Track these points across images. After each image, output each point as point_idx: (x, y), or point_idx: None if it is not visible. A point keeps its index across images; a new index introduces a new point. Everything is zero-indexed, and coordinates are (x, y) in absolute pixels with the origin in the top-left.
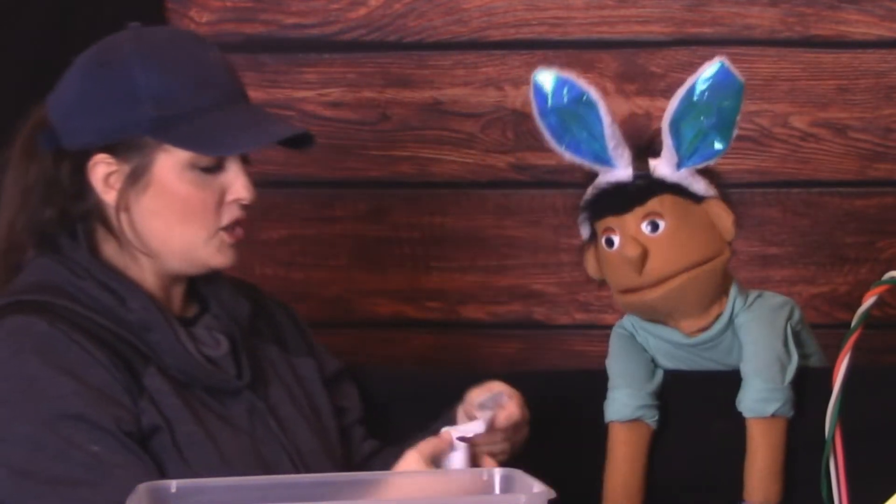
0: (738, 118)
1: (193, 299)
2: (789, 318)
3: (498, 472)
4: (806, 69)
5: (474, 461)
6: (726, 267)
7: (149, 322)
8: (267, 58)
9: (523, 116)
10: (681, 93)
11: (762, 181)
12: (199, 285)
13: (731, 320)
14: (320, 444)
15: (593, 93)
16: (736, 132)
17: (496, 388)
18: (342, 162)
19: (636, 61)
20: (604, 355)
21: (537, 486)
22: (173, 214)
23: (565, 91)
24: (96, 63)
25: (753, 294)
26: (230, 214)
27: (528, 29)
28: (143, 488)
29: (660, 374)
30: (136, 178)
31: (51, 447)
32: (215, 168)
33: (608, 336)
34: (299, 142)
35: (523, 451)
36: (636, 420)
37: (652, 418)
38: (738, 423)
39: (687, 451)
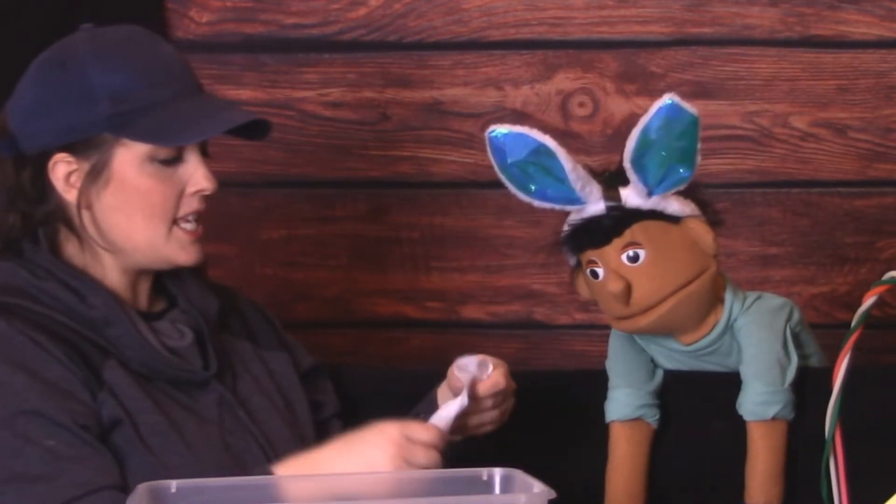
0: (699, 146)
1: (161, 295)
2: (788, 319)
3: (498, 472)
4: (806, 69)
5: (462, 430)
6: (714, 279)
7: (108, 317)
8: (267, 58)
9: (523, 116)
10: (636, 133)
11: (762, 181)
12: (166, 281)
13: (728, 325)
14: (292, 434)
15: (549, 142)
16: (699, 159)
17: (482, 356)
18: (342, 162)
19: (636, 61)
20: (604, 355)
21: (537, 486)
22: (135, 209)
23: (521, 145)
24: (51, 65)
25: (752, 296)
26: (189, 206)
27: (528, 29)
28: (143, 488)
29: (660, 374)
30: (96, 175)
31: (7, 445)
32: (174, 160)
33: (608, 336)
34: (258, 132)
35: (510, 425)
36: (637, 419)
37: (653, 417)
38: (738, 424)
39: (687, 451)
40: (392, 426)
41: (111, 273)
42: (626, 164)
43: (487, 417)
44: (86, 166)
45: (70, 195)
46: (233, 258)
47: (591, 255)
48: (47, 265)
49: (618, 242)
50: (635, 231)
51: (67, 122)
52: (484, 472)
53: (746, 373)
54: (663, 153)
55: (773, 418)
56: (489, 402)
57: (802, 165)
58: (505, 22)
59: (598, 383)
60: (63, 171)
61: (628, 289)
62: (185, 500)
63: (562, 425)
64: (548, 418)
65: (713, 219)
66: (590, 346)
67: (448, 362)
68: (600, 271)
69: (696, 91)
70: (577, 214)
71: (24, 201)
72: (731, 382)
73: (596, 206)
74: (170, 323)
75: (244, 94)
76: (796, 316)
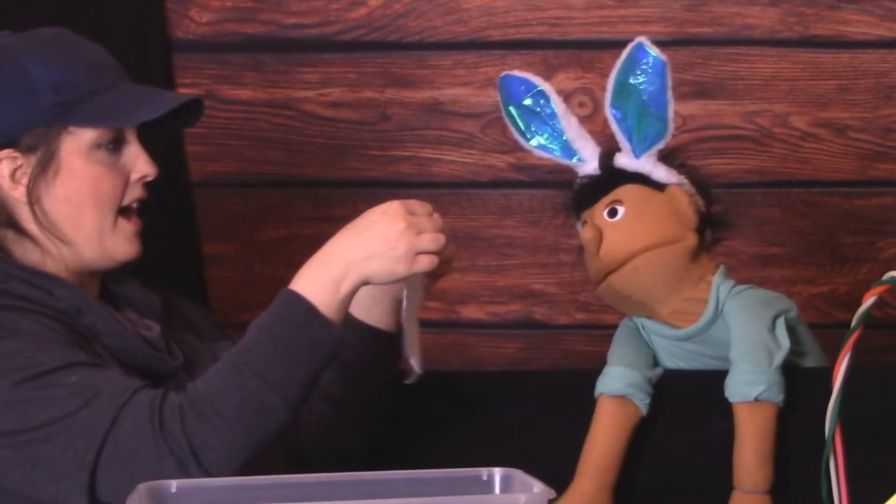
0: (670, 96)
1: (104, 300)
2: (782, 310)
3: (498, 472)
4: (806, 69)
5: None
6: (691, 252)
7: (79, 306)
8: (267, 58)
9: None
10: (611, 77)
11: (762, 181)
12: (108, 285)
13: (718, 308)
14: None
15: (548, 89)
16: (671, 112)
17: None
18: (342, 162)
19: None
20: (604, 355)
21: (537, 486)
22: (84, 197)
23: (522, 89)
24: None
25: (744, 286)
26: (133, 193)
27: (528, 29)
28: (143, 488)
29: (659, 370)
30: (44, 167)
31: (33, 400)
32: (118, 147)
33: (608, 336)
34: (194, 117)
35: None
36: (624, 397)
37: (642, 401)
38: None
39: (687, 450)
40: (392, 203)
41: (65, 273)
42: (607, 114)
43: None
44: (32, 160)
45: (17, 192)
46: (233, 258)
47: (585, 215)
48: (4, 268)
49: (604, 200)
50: (620, 191)
51: (10, 118)
52: (484, 472)
53: (733, 355)
54: (635, 100)
55: (758, 399)
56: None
57: (802, 165)
58: (505, 22)
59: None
60: (8, 169)
61: (598, 239)
62: (184, 500)
63: (562, 425)
64: (548, 418)
65: (716, 218)
66: (590, 346)
67: (448, 362)
68: None
69: (696, 91)
70: (578, 173)
71: None
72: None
73: (591, 164)
74: (136, 314)
75: (244, 94)
76: (793, 312)
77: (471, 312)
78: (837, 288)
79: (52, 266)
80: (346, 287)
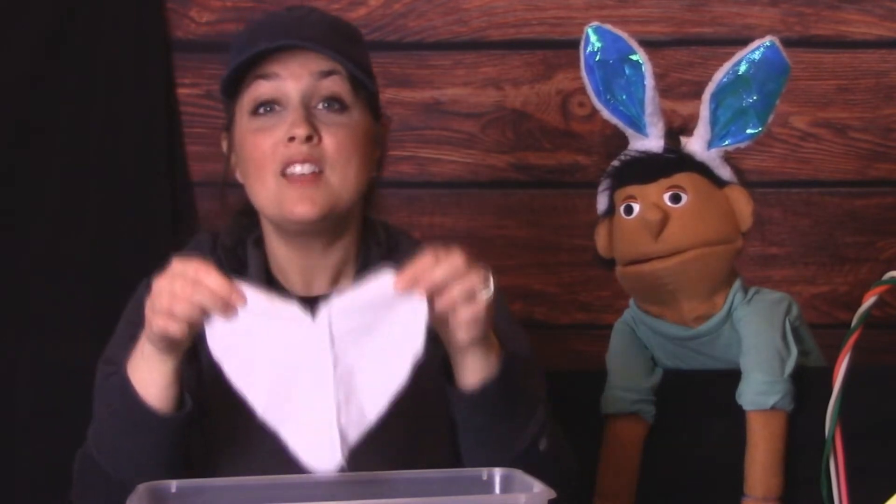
0: (777, 103)
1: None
2: (787, 312)
3: (498, 472)
4: (806, 69)
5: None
6: (736, 255)
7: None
8: None
9: (523, 116)
10: (727, 66)
11: (762, 181)
12: (366, 250)
13: (729, 313)
14: None
15: (643, 55)
16: (772, 118)
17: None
18: None
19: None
20: (604, 355)
21: (537, 486)
22: (247, 165)
23: (615, 47)
24: None
25: (752, 290)
26: (284, 154)
27: (528, 29)
28: (142, 488)
29: (659, 372)
30: (230, 142)
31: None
32: (277, 111)
33: (608, 336)
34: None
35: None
36: (633, 414)
37: (648, 413)
38: (736, 422)
39: (686, 449)
40: (159, 277)
41: (279, 251)
42: (705, 97)
43: (451, 299)
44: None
45: (232, 164)
46: None
47: (632, 190)
48: (233, 241)
49: (663, 182)
50: (682, 177)
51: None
52: (484, 471)
53: (746, 363)
54: (744, 95)
55: (773, 408)
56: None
57: (802, 165)
58: (505, 22)
59: (598, 383)
60: (226, 143)
61: (664, 222)
62: (184, 500)
63: (562, 425)
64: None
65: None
66: (590, 346)
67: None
68: (636, 206)
69: (696, 91)
70: (633, 145)
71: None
72: (730, 382)
73: (655, 142)
74: None
75: None
76: (795, 310)
77: None
78: (837, 288)
79: (274, 243)
80: (143, 355)
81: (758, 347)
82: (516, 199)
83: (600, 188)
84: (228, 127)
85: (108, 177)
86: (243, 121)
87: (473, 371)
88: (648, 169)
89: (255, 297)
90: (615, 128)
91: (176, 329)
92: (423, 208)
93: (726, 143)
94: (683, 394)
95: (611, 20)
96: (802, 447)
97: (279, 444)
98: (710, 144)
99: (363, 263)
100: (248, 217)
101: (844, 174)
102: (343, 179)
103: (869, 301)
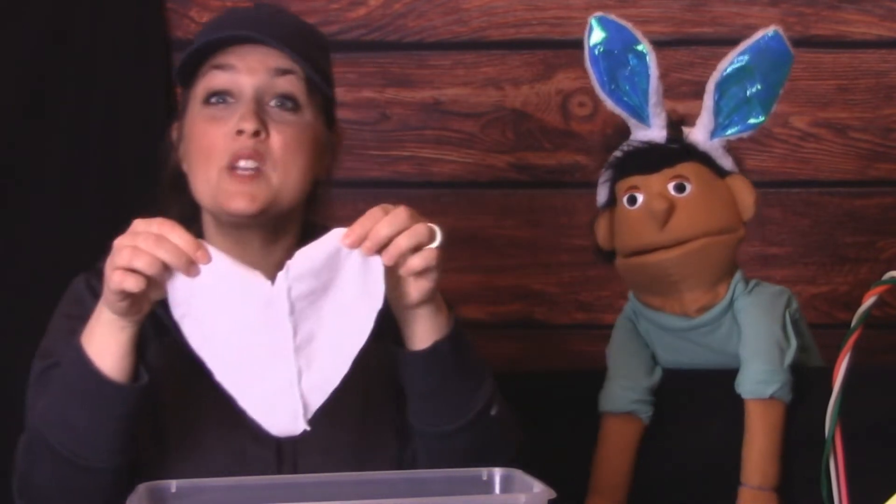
0: (781, 93)
1: None
2: (787, 305)
3: (498, 472)
4: (806, 69)
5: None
6: (738, 245)
7: None
8: None
9: (523, 116)
10: (732, 55)
11: (762, 181)
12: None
13: (731, 304)
14: None
15: (648, 45)
16: (775, 107)
17: None
18: (342, 162)
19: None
20: (604, 355)
21: (537, 486)
22: (193, 153)
23: (620, 37)
24: None
25: (752, 282)
26: (232, 146)
27: (528, 29)
28: (142, 488)
29: (658, 371)
30: (180, 130)
31: (34, 389)
32: (229, 103)
33: (608, 336)
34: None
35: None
36: (629, 413)
37: (645, 413)
38: (736, 422)
39: (685, 449)
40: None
41: (218, 243)
42: (710, 86)
43: (398, 249)
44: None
45: (178, 154)
46: None
47: (635, 180)
48: None
49: (667, 172)
50: (686, 167)
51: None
52: (484, 471)
53: (746, 352)
54: (748, 84)
55: (771, 397)
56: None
57: (802, 165)
58: (505, 22)
59: (597, 383)
60: (176, 134)
61: (670, 212)
62: (184, 500)
63: (562, 425)
64: (548, 418)
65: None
66: (590, 346)
67: None
68: (640, 196)
69: (696, 91)
70: (636, 135)
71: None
72: (729, 381)
73: (658, 132)
74: None
75: None
76: (794, 304)
77: (471, 312)
78: (837, 288)
79: (213, 235)
80: (100, 325)
81: (758, 337)
82: (516, 199)
83: (601, 179)
84: (181, 116)
85: (108, 177)
86: (195, 109)
87: (424, 331)
88: (652, 159)
89: (219, 258)
90: (615, 128)
91: (133, 284)
92: (423, 208)
93: (729, 132)
94: (683, 394)
95: None
96: (802, 447)
97: (235, 443)
98: (713, 134)
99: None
100: (186, 209)
101: (844, 174)
102: (284, 178)
103: (869, 301)
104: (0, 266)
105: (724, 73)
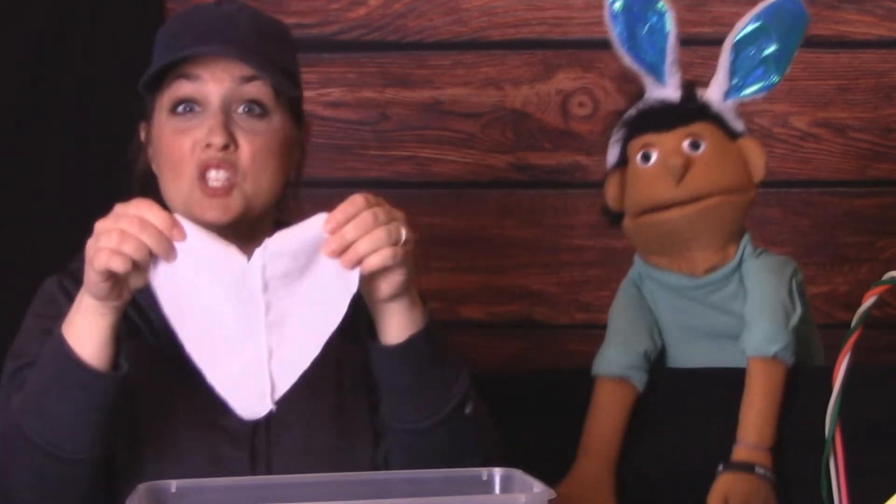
0: (795, 55)
1: None
2: (794, 274)
3: (498, 472)
4: (806, 69)
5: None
6: (748, 207)
7: (152, 301)
8: None
9: (523, 116)
10: (749, 15)
11: (762, 181)
12: None
13: (739, 265)
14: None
15: (668, 3)
16: (787, 70)
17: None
18: (342, 162)
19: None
20: None
21: (537, 486)
22: (163, 165)
23: None
24: None
25: (760, 249)
26: (199, 157)
27: (528, 29)
28: (142, 488)
29: (657, 339)
30: (147, 137)
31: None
32: (197, 113)
33: None
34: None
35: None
36: (622, 378)
37: (639, 380)
38: (736, 423)
39: (685, 449)
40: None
41: None
42: (727, 45)
43: (356, 252)
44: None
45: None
46: None
47: (649, 138)
48: None
49: (681, 131)
50: (700, 126)
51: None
52: (484, 472)
53: (751, 312)
54: (764, 44)
55: (774, 357)
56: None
57: (802, 165)
58: (505, 22)
59: None
60: (144, 137)
61: (686, 167)
62: (184, 500)
63: (562, 425)
64: (548, 418)
65: None
66: (590, 346)
67: None
68: (654, 154)
69: None
70: (651, 94)
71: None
72: (729, 381)
73: (673, 91)
74: None
75: None
76: (800, 275)
77: (471, 312)
78: (837, 288)
79: None
80: (80, 311)
81: (764, 298)
82: (516, 199)
83: (613, 138)
84: (147, 118)
85: (109, 176)
86: (162, 117)
87: (398, 325)
88: (667, 117)
89: (194, 233)
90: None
91: (120, 264)
92: (423, 208)
93: (744, 93)
94: (683, 394)
95: None
96: (802, 447)
97: (210, 444)
98: (727, 95)
99: None
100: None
101: (844, 174)
102: (256, 188)
103: (869, 301)
104: (0, 266)
105: (741, 34)
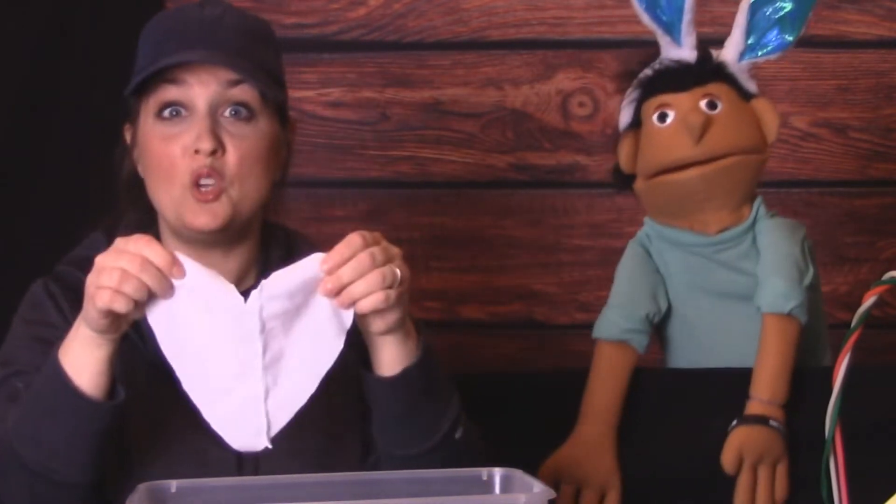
0: (810, 17)
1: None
2: (804, 237)
3: (498, 472)
4: (806, 69)
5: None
6: (762, 168)
7: None
8: None
9: (523, 116)
10: None
11: (762, 181)
12: (266, 252)
13: (752, 226)
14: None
15: None
16: (801, 33)
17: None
18: (342, 162)
19: (636, 61)
20: None
21: (537, 486)
22: (152, 170)
23: None
24: None
25: (772, 211)
26: (190, 165)
27: (528, 29)
28: (142, 488)
29: (662, 303)
30: (133, 141)
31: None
32: (183, 118)
33: None
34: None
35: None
36: (622, 342)
37: (640, 343)
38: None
39: (686, 449)
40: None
41: (174, 247)
42: (744, 4)
43: (350, 295)
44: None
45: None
46: None
47: (665, 98)
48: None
49: (697, 91)
50: (715, 87)
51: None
52: (484, 471)
53: (766, 270)
54: (781, 4)
55: (790, 314)
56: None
57: (802, 165)
58: (505, 22)
59: None
60: (129, 140)
61: (706, 126)
62: (184, 500)
63: (562, 425)
64: (548, 418)
65: None
66: (590, 346)
67: (448, 363)
68: (672, 113)
69: None
70: (666, 54)
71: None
72: (729, 381)
73: (689, 52)
74: None
75: None
76: (809, 241)
77: (471, 312)
78: (837, 288)
79: (170, 241)
80: (78, 341)
81: (779, 256)
82: (516, 199)
83: (626, 99)
84: (133, 120)
85: (109, 176)
86: (148, 121)
87: (392, 358)
88: (683, 77)
89: (193, 272)
90: (615, 128)
91: (122, 305)
92: (423, 208)
93: (759, 53)
94: (683, 394)
95: (611, 20)
96: (802, 447)
97: (196, 445)
98: (742, 56)
99: (263, 267)
100: (144, 214)
101: (844, 174)
102: (243, 193)
103: (869, 301)
104: (0, 266)
105: None
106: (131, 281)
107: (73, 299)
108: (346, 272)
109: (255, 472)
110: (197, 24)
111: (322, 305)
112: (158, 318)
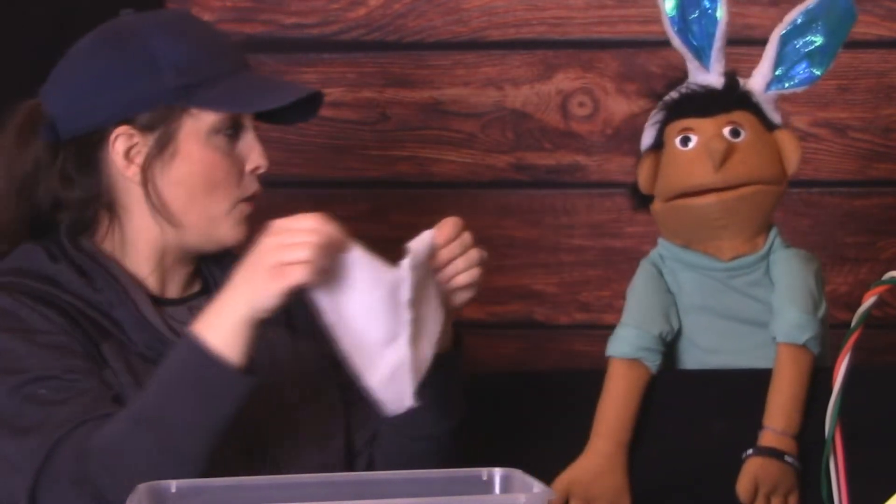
0: (839, 52)
1: (200, 280)
2: (819, 269)
3: (498, 472)
4: None
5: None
6: (780, 199)
7: (112, 300)
8: (267, 58)
9: (523, 116)
10: (800, 8)
11: None
12: (208, 266)
13: (767, 255)
14: (318, 423)
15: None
16: (830, 67)
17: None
18: (342, 162)
19: (636, 61)
20: (603, 355)
21: (537, 486)
22: (198, 182)
23: None
24: (105, 42)
25: (787, 242)
26: (251, 186)
27: (528, 29)
28: (143, 488)
29: (675, 321)
30: (161, 148)
31: (11, 407)
32: (235, 134)
33: (608, 336)
34: (310, 112)
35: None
36: (635, 360)
37: (653, 362)
38: (736, 423)
39: (685, 449)
40: (266, 236)
41: (143, 255)
42: (774, 36)
43: (456, 268)
44: (149, 140)
45: (130, 171)
46: None
47: (689, 122)
48: (64, 249)
49: (721, 118)
50: (740, 115)
51: (131, 94)
52: (484, 472)
53: (781, 300)
54: (811, 37)
55: (805, 345)
56: (451, 252)
57: (802, 165)
58: (505, 22)
59: (597, 383)
60: (123, 147)
61: (728, 152)
62: (184, 500)
63: (562, 425)
64: (548, 418)
65: None
66: (590, 346)
67: None
68: (695, 138)
69: None
70: (693, 78)
71: (58, 184)
72: (730, 381)
73: (717, 77)
74: (187, 309)
75: None
76: (822, 273)
77: (471, 312)
78: (837, 288)
79: (128, 250)
80: (231, 321)
81: (795, 286)
82: (516, 199)
83: (650, 121)
84: (151, 127)
85: None
86: (201, 134)
87: (452, 331)
88: (709, 103)
89: (353, 245)
90: (615, 128)
91: (315, 276)
92: (423, 208)
93: (787, 85)
94: (683, 394)
95: (611, 20)
96: (802, 447)
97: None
98: (770, 86)
99: (204, 270)
100: (80, 222)
101: (844, 174)
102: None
103: (869, 301)
104: None
105: (792, 25)
106: (319, 252)
107: (34, 305)
108: (455, 247)
109: (264, 456)
110: (232, 49)
111: (431, 277)
112: (322, 290)
